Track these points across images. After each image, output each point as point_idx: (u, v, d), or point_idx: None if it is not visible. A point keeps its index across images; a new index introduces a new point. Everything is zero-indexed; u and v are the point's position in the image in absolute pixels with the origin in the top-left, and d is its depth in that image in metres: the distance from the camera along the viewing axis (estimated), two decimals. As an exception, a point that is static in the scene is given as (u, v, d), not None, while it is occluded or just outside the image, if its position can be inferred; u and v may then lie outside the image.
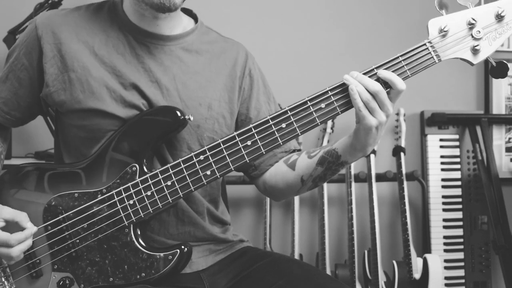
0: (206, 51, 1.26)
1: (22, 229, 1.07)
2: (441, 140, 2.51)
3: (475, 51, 1.09)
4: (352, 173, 2.33)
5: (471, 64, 1.10)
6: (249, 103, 1.30)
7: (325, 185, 2.32)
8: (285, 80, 2.45)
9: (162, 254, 1.09)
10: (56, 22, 1.19)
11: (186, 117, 1.12)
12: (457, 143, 2.51)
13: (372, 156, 2.34)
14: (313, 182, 1.22)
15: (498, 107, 2.59)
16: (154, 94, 1.17)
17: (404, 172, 2.34)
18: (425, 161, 2.50)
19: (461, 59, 1.10)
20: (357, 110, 1.06)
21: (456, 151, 2.51)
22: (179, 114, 1.12)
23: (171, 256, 1.09)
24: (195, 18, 1.32)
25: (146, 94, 1.16)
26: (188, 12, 1.31)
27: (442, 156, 2.50)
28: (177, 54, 1.22)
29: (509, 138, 2.57)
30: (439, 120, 2.47)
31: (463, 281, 2.41)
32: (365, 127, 1.07)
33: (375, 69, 1.08)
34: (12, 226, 1.07)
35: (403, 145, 2.37)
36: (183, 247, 1.10)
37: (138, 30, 1.20)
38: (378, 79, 1.07)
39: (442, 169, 2.49)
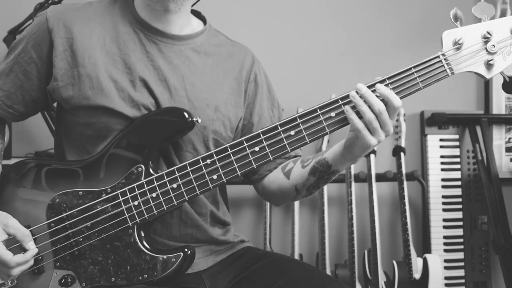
0: (214, 54, 1.26)
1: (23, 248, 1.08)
2: (441, 140, 2.51)
3: (488, 65, 1.07)
4: (352, 173, 2.33)
5: (485, 78, 1.09)
6: (252, 108, 1.30)
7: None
8: (285, 80, 2.45)
9: (165, 256, 1.09)
10: (68, 16, 1.17)
11: (194, 119, 1.12)
12: (457, 143, 2.51)
13: (372, 156, 2.34)
14: (307, 190, 1.23)
15: (498, 107, 2.59)
16: (162, 93, 1.16)
17: (404, 172, 2.33)
18: (425, 161, 2.50)
19: (475, 73, 1.09)
20: (357, 131, 1.05)
21: (456, 151, 2.50)
22: (187, 115, 1.11)
23: (174, 259, 1.09)
24: (203, 20, 1.32)
25: (154, 92, 1.16)
26: (197, 14, 1.32)
27: (442, 156, 2.50)
28: (186, 54, 1.22)
29: (509, 138, 2.57)
30: (439, 120, 2.47)
31: (463, 281, 2.40)
32: (364, 145, 1.07)
33: (386, 80, 1.06)
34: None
35: (403, 145, 2.37)
36: (186, 249, 1.10)
37: (149, 28, 1.20)
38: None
39: (442, 169, 2.48)
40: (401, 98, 1.07)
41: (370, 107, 1.04)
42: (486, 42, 1.07)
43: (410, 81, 1.07)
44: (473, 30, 1.08)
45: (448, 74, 1.08)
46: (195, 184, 1.09)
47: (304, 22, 2.55)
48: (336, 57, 2.55)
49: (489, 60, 1.07)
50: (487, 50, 1.07)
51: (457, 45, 1.07)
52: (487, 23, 1.08)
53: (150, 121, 1.13)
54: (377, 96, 1.05)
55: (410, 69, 1.07)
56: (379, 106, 1.03)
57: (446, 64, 1.07)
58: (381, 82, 1.07)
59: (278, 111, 1.36)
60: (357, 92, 1.06)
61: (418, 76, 1.07)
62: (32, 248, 1.08)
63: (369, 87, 1.06)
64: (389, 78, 1.07)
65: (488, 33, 1.07)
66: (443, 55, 1.08)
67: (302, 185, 1.22)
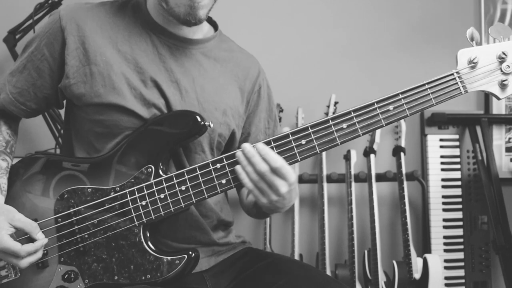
0: (223, 60, 1.28)
1: (32, 239, 1.08)
2: (441, 140, 2.51)
3: (503, 85, 1.08)
4: (352, 173, 2.33)
5: (498, 98, 1.10)
6: (252, 118, 1.32)
7: (325, 185, 2.32)
8: (285, 80, 2.45)
9: (169, 258, 1.09)
10: (81, 15, 1.18)
11: (206, 123, 1.12)
12: (457, 143, 2.51)
13: (372, 156, 2.34)
14: (258, 215, 1.28)
15: (498, 107, 2.59)
16: (173, 94, 1.17)
17: (404, 172, 2.34)
18: (425, 161, 2.50)
19: (488, 92, 1.09)
20: (249, 190, 1.06)
21: (456, 151, 2.50)
22: (199, 119, 1.12)
23: (178, 261, 1.09)
24: (214, 25, 1.33)
25: (165, 93, 1.16)
26: (208, 19, 1.33)
27: (442, 156, 2.50)
28: (196, 58, 1.23)
29: (509, 138, 2.57)
30: (439, 120, 2.47)
31: (463, 281, 2.40)
32: (259, 203, 1.08)
33: (400, 94, 1.06)
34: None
35: (403, 145, 2.37)
36: (190, 252, 1.10)
37: (161, 30, 1.21)
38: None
39: (442, 169, 2.48)
40: (413, 113, 1.07)
41: (253, 168, 1.04)
42: (501, 63, 1.08)
43: (423, 96, 1.07)
44: (488, 50, 1.08)
45: (461, 92, 1.08)
46: (203, 188, 1.10)
47: (304, 22, 2.55)
48: (336, 57, 2.55)
49: (504, 81, 1.08)
50: (501, 71, 1.08)
51: (472, 64, 1.08)
52: (503, 44, 1.08)
53: (164, 122, 1.13)
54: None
55: (424, 85, 1.08)
56: (260, 167, 1.03)
57: (460, 82, 1.08)
58: (394, 96, 1.07)
59: (275, 124, 1.37)
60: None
61: (431, 93, 1.07)
62: (41, 238, 1.08)
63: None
64: (402, 93, 1.07)
65: (504, 53, 1.07)
66: (457, 73, 1.08)
67: (253, 210, 1.27)
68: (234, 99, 1.27)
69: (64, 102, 1.27)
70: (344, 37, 2.56)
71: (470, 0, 2.60)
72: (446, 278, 2.39)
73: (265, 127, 1.34)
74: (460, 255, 2.43)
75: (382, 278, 2.21)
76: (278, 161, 1.03)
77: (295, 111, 2.39)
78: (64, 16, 1.17)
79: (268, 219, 2.32)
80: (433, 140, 2.51)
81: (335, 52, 2.55)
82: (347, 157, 2.35)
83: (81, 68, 1.15)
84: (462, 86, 1.08)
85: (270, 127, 1.36)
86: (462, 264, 2.42)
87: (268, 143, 1.08)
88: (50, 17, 1.21)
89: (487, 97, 2.60)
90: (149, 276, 1.09)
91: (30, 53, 1.20)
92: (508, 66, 1.07)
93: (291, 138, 1.08)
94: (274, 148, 1.08)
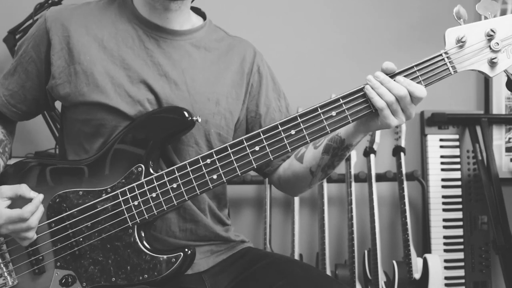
0: (214, 48, 1.27)
1: (27, 201, 1.07)
2: (441, 140, 2.51)
3: (492, 63, 1.06)
4: (352, 173, 2.33)
5: (488, 77, 1.08)
6: (258, 99, 1.30)
7: (325, 185, 2.32)
8: (285, 80, 2.44)
9: (165, 257, 1.09)
10: (66, 15, 1.19)
11: (194, 118, 1.11)
12: (457, 143, 2.51)
13: (372, 156, 2.34)
14: (322, 171, 1.22)
15: (498, 107, 2.59)
16: (163, 87, 1.17)
17: (404, 172, 2.33)
18: (425, 161, 2.50)
19: (478, 71, 1.07)
20: (378, 110, 1.04)
21: (456, 151, 2.50)
22: (186, 115, 1.11)
23: (174, 259, 1.09)
24: (203, 16, 1.32)
25: (154, 88, 1.16)
26: (196, 10, 1.32)
27: (442, 156, 2.50)
28: (186, 49, 1.23)
29: (509, 138, 2.57)
30: (439, 120, 2.47)
31: (463, 281, 2.40)
32: (383, 123, 1.06)
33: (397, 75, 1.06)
34: (15, 203, 1.07)
35: (403, 145, 2.37)
36: (186, 249, 1.10)
37: (148, 24, 1.20)
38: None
39: (442, 169, 2.48)
40: None
41: (390, 91, 1.03)
42: (489, 40, 1.05)
43: (412, 80, 1.05)
44: (476, 28, 1.06)
45: (451, 73, 1.06)
46: (195, 184, 1.09)
47: (304, 22, 2.54)
48: (336, 57, 2.55)
49: (493, 58, 1.05)
50: (490, 48, 1.05)
51: (460, 43, 1.05)
52: (491, 21, 1.06)
53: (151, 119, 1.13)
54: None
55: (412, 67, 1.06)
56: (399, 91, 1.03)
57: (449, 62, 1.06)
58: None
59: (285, 101, 1.36)
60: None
61: (421, 75, 1.06)
62: (35, 196, 1.07)
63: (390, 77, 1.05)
64: (391, 77, 1.06)
65: (492, 30, 1.05)
66: (445, 53, 1.06)
67: (317, 166, 1.21)
68: (230, 85, 1.25)
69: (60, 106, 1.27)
70: (344, 37, 2.56)
71: (470, 0, 2.60)
72: (446, 278, 2.39)
73: (278, 106, 1.33)
74: (460, 255, 2.43)
75: (382, 278, 2.21)
76: (422, 91, 1.04)
77: (295, 111, 2.39)
78: (49, 18, 1.19)
79: (268, 219, 2.32)
80: (433, 140, 2.51)
81: (335, 52, 2.55)
82: (347, 157, 2.35)
83: (66, 68, 1.16)
84: (451, 66, 1.06)
85: (282, 105, 1.34)
86: (462, 264, 2.42)
87: (257, 135, 1.08)
88: (38, 19, 1.22)
89: (487, 97, 2.60)
90: (146, 276, 1.08)
91: (19, 56, 1.22)
92: (497, 44, 1.05)
93: (280, 129, 1.07)
94: (264, 140, 1.07)
